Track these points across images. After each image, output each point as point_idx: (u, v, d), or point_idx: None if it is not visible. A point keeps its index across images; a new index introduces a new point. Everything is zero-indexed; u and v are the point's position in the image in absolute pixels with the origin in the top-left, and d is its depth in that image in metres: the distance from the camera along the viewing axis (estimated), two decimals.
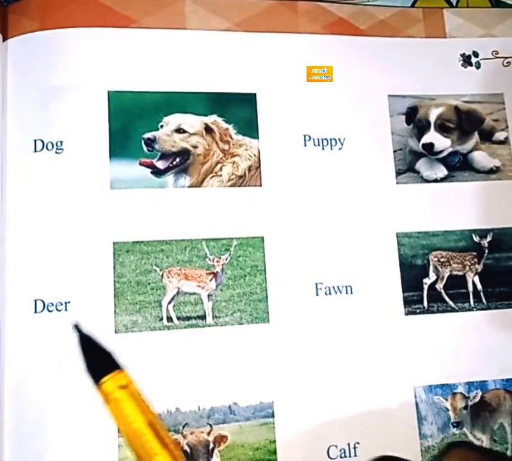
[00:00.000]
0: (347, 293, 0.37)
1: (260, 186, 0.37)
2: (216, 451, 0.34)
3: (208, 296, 0.36)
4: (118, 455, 0.33)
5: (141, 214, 0.36)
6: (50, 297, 0.34)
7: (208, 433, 0.34)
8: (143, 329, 0.34)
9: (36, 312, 0.34)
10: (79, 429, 0.33)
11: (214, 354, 0.35)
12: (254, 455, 0.34)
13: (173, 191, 0.37)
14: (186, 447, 0.34)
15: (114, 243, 0.35)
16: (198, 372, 0.34)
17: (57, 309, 0.34)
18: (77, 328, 0.32)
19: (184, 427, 0.34)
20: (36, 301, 0.34)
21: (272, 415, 0.35)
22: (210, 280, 0.36)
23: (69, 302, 0.34)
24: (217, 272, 0.36)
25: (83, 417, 0.33)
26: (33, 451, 0.32)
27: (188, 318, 0.35)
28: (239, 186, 0.37)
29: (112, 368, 0.30)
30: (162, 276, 0.35)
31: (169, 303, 0.35)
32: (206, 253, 0.36)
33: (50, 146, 0.35)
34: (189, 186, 0.37)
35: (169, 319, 0.35)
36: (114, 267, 0.35)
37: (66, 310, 0.34)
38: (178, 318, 0.35)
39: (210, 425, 0.34)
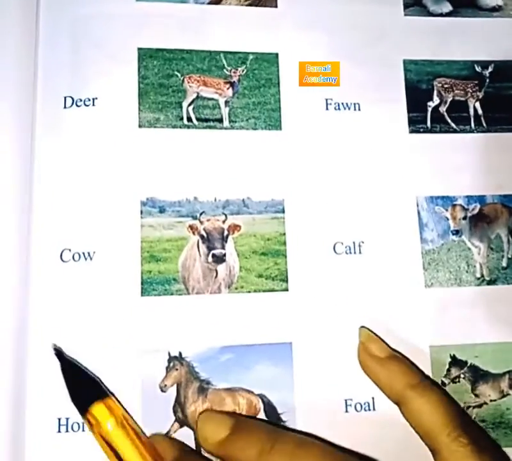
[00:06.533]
0: None
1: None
2: (230, 237, 0.36)
3: (226, 102, 0.38)
4: None
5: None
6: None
7: (224, 222, 0.36)
8: (164, 126, 0.37)
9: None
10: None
11: (229, 154, 0.37)
12: (265, 244, 0.37)
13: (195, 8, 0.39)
14: (203, 232, 0.36)
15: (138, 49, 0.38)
16: (214, 168, 0.37)
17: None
18: (58, 354, 0.31)
19: (201, 214, 0.36)
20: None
21: (283, 211, 0.37)
22: (228, 88, 0.38)
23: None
24: (234, 82, 0.38)
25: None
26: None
27: (206, 120, 0.38)
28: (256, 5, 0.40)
29: (99, 395, 0.30)
30: (182, 81, 0.38)
31: (190, 105, 0.38)
32: (224, 64, 0.38)
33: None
34: (209, 3, 0.39)
35: (189, 119, 0.37)
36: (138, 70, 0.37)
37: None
38: (198, 119, 0.38)
39: (225, 214, 0.37)
